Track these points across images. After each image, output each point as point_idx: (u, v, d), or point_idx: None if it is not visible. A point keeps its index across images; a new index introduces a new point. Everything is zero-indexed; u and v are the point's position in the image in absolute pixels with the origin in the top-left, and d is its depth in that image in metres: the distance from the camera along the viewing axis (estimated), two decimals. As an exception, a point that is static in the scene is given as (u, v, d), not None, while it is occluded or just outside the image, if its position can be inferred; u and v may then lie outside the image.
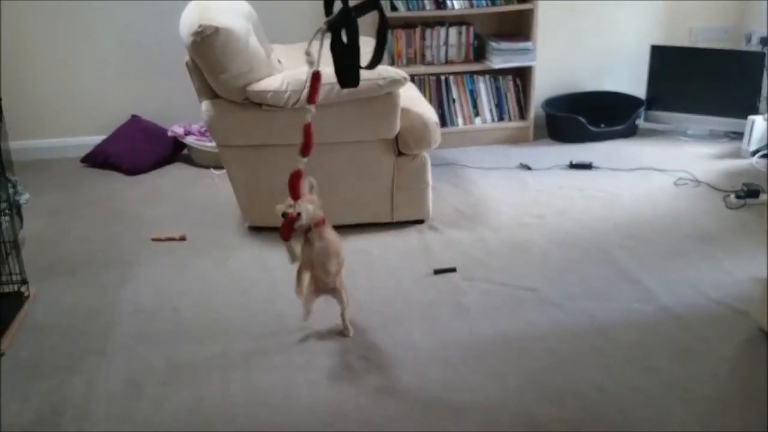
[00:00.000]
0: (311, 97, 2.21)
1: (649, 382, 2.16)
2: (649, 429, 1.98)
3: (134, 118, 4.24)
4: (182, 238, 3.19)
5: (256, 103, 2.91)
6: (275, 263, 2.95)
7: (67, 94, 4.22)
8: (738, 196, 3.40)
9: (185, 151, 4.18)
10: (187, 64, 2.97)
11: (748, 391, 2.11)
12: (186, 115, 4.10)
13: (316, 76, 2.21)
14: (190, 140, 4.05)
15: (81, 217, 3.49)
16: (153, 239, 3.19)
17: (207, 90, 2.95)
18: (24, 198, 3.48)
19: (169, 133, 4.10)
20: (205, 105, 2.97)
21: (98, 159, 4.10)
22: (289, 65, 3.37)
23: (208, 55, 2.78)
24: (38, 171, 4.04)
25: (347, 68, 2.18)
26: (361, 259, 2.98)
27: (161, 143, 4.11)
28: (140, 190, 3.79)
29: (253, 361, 2.33)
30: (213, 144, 3.64)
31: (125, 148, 4.04)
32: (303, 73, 2.92)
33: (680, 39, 4.57)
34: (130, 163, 3.99)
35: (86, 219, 3.46)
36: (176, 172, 4.04)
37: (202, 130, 4.09)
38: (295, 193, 2.24)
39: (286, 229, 2.24)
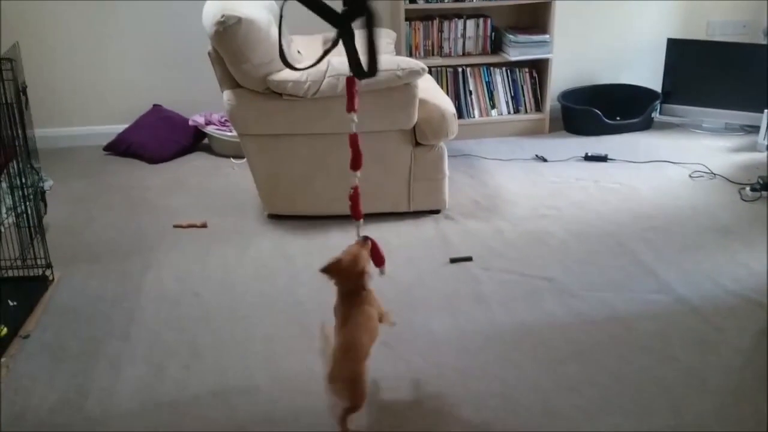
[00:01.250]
0: (350, 105, 2.06)
1: (665, 372, 2.19)
2: (666, 419, 2.01)
3: (156, 108, 4.28)
4: (203, 225, 3.23)
5: (276, 92, 2.95)
6: (295, 251, 2.99)
7: (91, 84, 4.27)
8: (754, 189, 3.40)
9: (206, 141, 4.22)
10: (209, 53, 3.01)
11: (763, 381, 2.13)
12: (207, 104, 4.14)
13: (350, 82, 2.06)
14: (210, 130, 4.09)
15: (104, 204, 3.54)
16: (175, 226, 3.24)
17: (229, 80, 2.99)
18: (48, 185, 3.54)
19: (190, 123, 4.14)
20: (226, 94, 3.01)
21: (120, 147, 4.15)
22: (308, 56, 3.39)
23: (231, 44, 2.82)
24: (62, 158, 4.09)
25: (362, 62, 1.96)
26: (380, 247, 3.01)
27: (182, 133, 4.15)
28: (162, 178, 3.84)
29: (274, 346, 2.38)
30: (233, 133, 3.69)
31: (147, 137, 4.09)
32: (322, 63, 2.95)
33: (698, 32, 4.56)
34: (152, 151, 4.04)
35: (109, 206, 3.51)
36: (197, 161, 4.09)
37: (223, 119, 4.12)
38: (356, 213, 2.11)
39: (377, 255, 2.09)
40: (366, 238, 2.08)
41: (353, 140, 2.12)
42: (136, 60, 4.25)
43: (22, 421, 2.07)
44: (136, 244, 3.12)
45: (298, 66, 2.15)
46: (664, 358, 2.26)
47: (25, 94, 2.74)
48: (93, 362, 2.32)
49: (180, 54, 4.16)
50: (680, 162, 3.83)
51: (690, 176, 3.67)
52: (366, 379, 1.91)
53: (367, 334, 1.98)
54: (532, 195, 3.49)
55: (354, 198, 2.11)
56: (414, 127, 3.09)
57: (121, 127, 4.22)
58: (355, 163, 2.13)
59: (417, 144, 3.14)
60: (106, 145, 4.20)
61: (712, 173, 3.68)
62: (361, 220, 2.14)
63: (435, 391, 2.14)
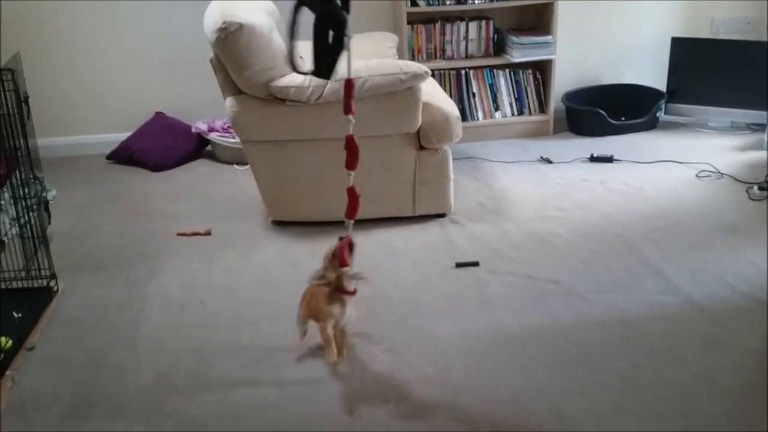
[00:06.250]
0: (348, 107, 2.15)
1: (676, 374, 2.16)
2: (677, 421, 1.98)
3: (158, 115, 4.28)
4: (207, 233, 3.22)
5: (279, 98, 2.94)
6: (300, 257, 2.97)
7: (93, 93, 4.27)
8: (761, 188, 3.38)
9: (209, 148, 4.21)
10: (211, 60, 3.00)
11: (775, 382, 2.11)
12: (209, 111, 4.13)
13: (349, 84, 2.16)
14: (213, 136, 4.08)
15: (107, 213, 3.53)
16: (178, 234, 3.23)
17: (231, 86, 2.98)
18: (51, 194, 3.53)
19: (193, 130, 4.14)
20: (229, 101, 3.00)
21: (123, 156, 4.14)
22: (310, 62, 3.38)
23: (232, 51, 2.81)
24: (64, 168, 4.09)
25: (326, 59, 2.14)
26: (385, 251, 3.00)
27: (185, 140, 4.14)
28: (165, 186, 3.83)
29: (280, 354, 2.36)
30: (236, 140, 3.68)
31: (150, 145, 4.08)
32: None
33: (701, 30, 4.54)
34: (155, 159, 4.04)
35: (113, 215, 3.51)
36: (200, 168, 4.08)
37: (226, 126, 4.12)
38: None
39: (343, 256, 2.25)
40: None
41: (350, 142, 2.19)
42: (137, 68, 4.24)
43: (28, 433, 2.06)
44: (140, 251, 3.11)
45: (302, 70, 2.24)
46: (673, 360, 2.23)
47: (26, 104, 2.74)
48: (99, 373, 2.30)
49: (182, 61, 4.16)
50: (686, 162, 3.80)
51: (696, 176, 3.64)
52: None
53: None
54: (537, 197, 3.47)
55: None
56: (418, 131, 3.07)
57: (123, 136, 4.22)
58: (351, 163, 2.20)
59: (421, 148, 3.12)
60: (108, 154, 4.20)
61: (719, 172, 3.65)
62: (352, 221, 2.27)
63: (442, 395, 2.12)
